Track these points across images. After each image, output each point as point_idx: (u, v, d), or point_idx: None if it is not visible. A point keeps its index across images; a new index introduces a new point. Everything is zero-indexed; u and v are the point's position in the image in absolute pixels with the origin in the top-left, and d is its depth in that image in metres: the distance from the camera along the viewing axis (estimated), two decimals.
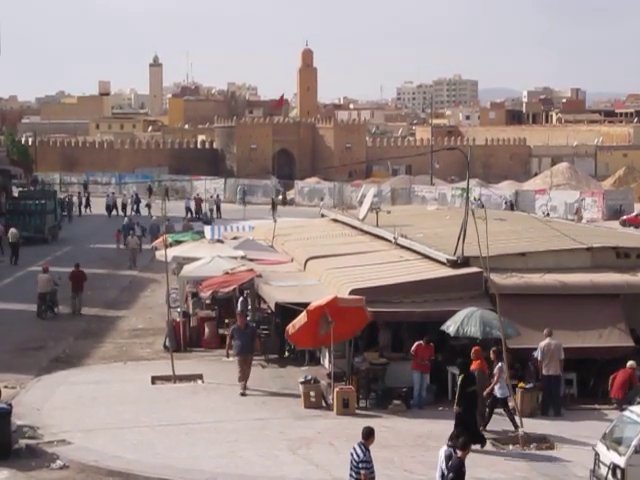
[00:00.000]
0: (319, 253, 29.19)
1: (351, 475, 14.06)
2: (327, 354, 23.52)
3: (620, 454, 15.42)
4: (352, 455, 14.07)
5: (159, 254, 33.04)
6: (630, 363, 21.49)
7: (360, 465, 13.87)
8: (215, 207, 71.35)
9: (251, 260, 30.06)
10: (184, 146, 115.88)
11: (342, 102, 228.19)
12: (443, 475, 14.13)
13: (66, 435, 19.60)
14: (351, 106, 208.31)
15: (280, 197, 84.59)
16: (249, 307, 29.42)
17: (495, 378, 20.17)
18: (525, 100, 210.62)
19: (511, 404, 20.49)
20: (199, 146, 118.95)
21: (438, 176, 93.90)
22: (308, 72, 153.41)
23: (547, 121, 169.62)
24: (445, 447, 14.48)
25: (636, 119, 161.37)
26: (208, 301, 31.33)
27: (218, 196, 77.43)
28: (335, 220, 38.38)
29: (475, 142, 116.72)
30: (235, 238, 36.20)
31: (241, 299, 29.65)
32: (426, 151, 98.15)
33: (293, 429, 20.14)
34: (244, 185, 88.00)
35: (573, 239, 25.87)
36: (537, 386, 21.74)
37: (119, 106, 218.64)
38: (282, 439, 19.38)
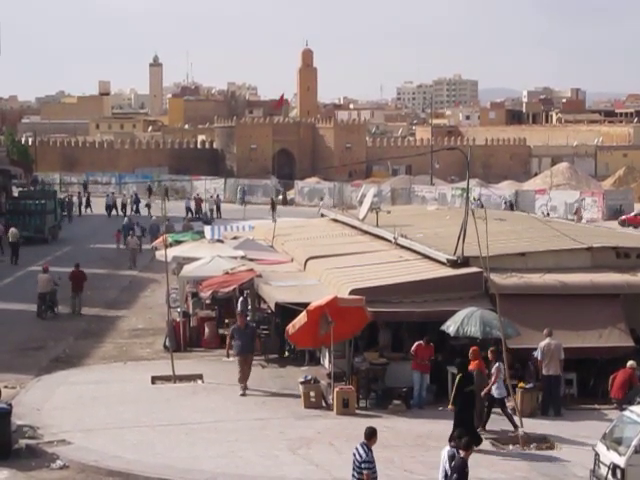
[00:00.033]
0: (319, 253, 29.19)
1: (353, 475, 14.06)
2: (327, 354, 23.52)
3: (620, 454, 15.43)
4: (355, 455, 14.08)
5: (159, 254, 33.05)
6: (630, 363, 21.50)
7: (363, 465, 13.88)
8: (215, 207, 71.36)
9: (251, 260, 30.07)
10: (184, 146, 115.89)
11: (342, 102, 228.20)
12: (446, 475, 14.13)
13: (66, 435, 19.60)
14: (351, 106, 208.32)
15: (280, 197, 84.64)
16: (249, 307, 29.42)
17: (493, 378, 20.18)
18: (525, 100, 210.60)
19: (511, 404, 20.50)
20: (199, 146, 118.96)
21: (438, 176, 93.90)
22: (308, 72, 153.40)
23: (547, 121, 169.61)
24: (448, 447, 14.49)
25: (636, 119, 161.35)
26: (208, 301, 31.33)
27: (218, 196, 77.45)
28: (335, 220, 38.39)
29: (475, 142, 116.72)
30: (235, 238, 36.20)
31: (241, 299, 29.65)
32: (426, 151, 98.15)
33: (293, 429, 20.14)
34: (244, 185, 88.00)
35: (573, 239, 25.88)
36: (537, 386, 21.74)
37: (119, 106, 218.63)
38: (282, 439, 19.38)
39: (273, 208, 67.39)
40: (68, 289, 34.21)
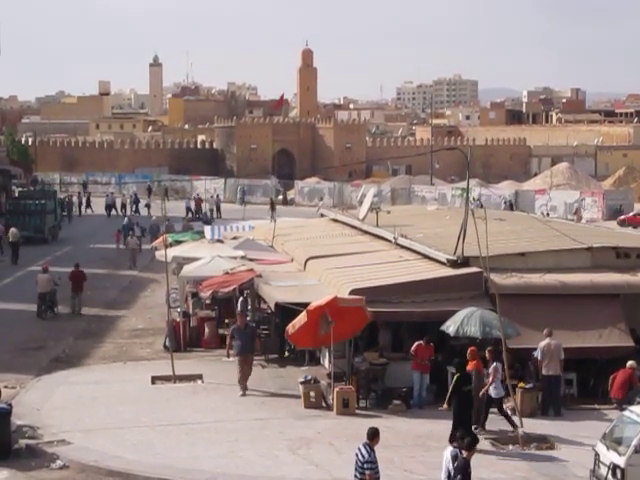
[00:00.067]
0: (319, 253, 29.19)
1: (355, 476, 14.05)
2: (327, 354, 23.52)
3: (620, 454, 15.43)
4: (357, 456, 14.08)
5: (159, 254, 33.05)
6: (630, 363, 21.49)
7: (365, 465, 13.87)
8: (215, 207, 71.38)
9: (251, 260, 30.07)
10: (184, 146, 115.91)
11: (342, 102, 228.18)
12: (449, 475, 14.13)
13: (66, 435, 19.60)
14: (351, 106, 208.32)
15: (280, 197, 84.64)
16: (249, 307, 29.42)
17: (490, 378, 20.17)
18: (525, 100, 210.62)
19: (511, 404, 20.50)
20: (199, 146, 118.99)
21: (438, 176, 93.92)
22: (308, 72, 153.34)
23: (547, 121, 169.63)
24: (451, 448, 14.49)
25: (636, 119, 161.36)
26: (208, 301, 31.32)
27: (218, 196, 77.47)
28: (335, 220, 38.39)
29: (475, 142, 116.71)
30: (235, 238, 36.20)
31: (241, 299, 29.64)
32: (426, 151, 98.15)
33: (293, 429, 20.14)
34: (244, 185, 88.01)
35: (573, 239, 25.88)
36: (537, 386, 21.74)
37: (119, 106, 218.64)
38: (282, 439, 19.39)
39: (272, 208, 67.41)
40: (68, 289, 34.21)
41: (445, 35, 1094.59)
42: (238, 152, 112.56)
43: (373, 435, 14.13)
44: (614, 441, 15.92)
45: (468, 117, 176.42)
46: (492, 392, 20.19)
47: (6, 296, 37.40)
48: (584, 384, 22.89)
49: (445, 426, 19.12)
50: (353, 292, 22.60)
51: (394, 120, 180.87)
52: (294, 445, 18.97)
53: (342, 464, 17.41)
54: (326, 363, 24.14)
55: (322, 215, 43.49)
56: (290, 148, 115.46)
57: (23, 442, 19.14)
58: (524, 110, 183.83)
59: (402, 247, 27.98)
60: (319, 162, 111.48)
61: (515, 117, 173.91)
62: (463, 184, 71.29)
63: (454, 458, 14.17)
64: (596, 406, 21.92)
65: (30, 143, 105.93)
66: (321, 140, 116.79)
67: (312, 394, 21.86)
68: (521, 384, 21.55)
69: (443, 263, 24.57)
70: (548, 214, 62.87)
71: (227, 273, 27.57)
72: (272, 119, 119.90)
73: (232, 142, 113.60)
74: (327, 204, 72.49)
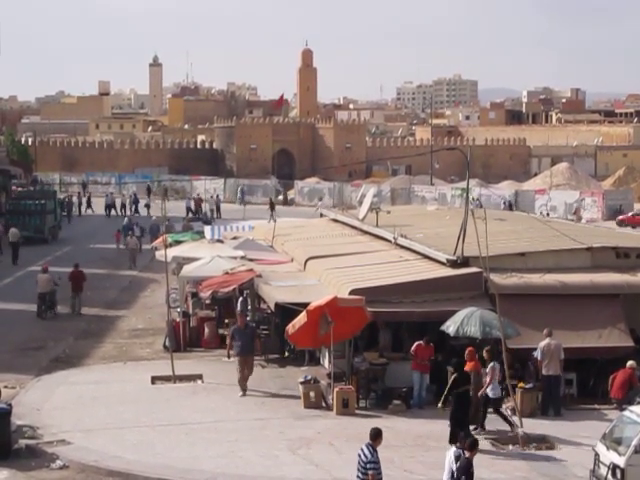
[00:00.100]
0: (319, 253, 29.19)
1: (358, 476, 14.06)
2: (327, 354, 23.51)
3: (620, 454, 15.43)
4: (359, 456, 14.09)
5: (159, 254, 33.05)
6: (630, 363, 21.50)
7: (368, 466, 13.88)
8: (215, 207, 71.39)
9: (251, 260, 30.07)
10: (184, 146, 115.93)
11: (342, 102, 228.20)
12: (452, 476, 14.13)
13: (66, 435, 19.60)
14: (351, 106, 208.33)
15: (281, 197, 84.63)
16: (249, 307, 29.42)
17: (488, 378, 20.16)
18: (525, 100, 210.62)
19: (511, 404, 20.51)
20: (199, 146, 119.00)
21: (438, 176, 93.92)
22: (308, 72, 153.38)
23: (547, 121, 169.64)
24: (454, 448, 14.50)
25: (636, 119, 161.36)
26: (208, 301, 31.32)
27: (218, 196, 77.48)
28: (335, 220, 38.40)
29: (475, 142, 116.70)
30: (235, 238, 36.21)
31: (241, 299, 29.64)
32: (426, 151, 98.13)
33: (293, 429, 20.14)
34: (244, 185, 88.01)
35: (573, 239, 25.88)
36: (537, 386, 21.75)
37: (119, 106, 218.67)
38: (282, 439, 19.39)
39: (272, 208, 67.42)
40: (68, 289, 34.21)
41: (445, 35, 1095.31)
42: (238, 152, 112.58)
43: (376, 435, 14.14)
44: (614, 441, 15.92)
45: (468, 117, 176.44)
46: (489, 392, 20.20)
47: (6, 296, 37.40)
48: (584, 384, 22.88)
49: (445, 426, 19.16)
50: (353, 292, 22.60)
51: (394, 120, 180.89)
52: (294, 445, 18.97)
53: (342, 464, 17.43)
54: (326, 363, 24.14)
55: (322, 215, 43.49)
56: (290, 148, 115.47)
57: (23, 442, 19.14)
58: (524, 110, 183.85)
59: (402, 247, 27.98)
60: (319, 162, 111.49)
61: (515, 117, 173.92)
62: (463, 184, 71.29)
63: (457, 458, 14.18)
64: (596, 406, 21.92)
65: (30, 143, 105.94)
66: (321, 140, 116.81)
67: (312, 394, 21.86)
68: (521, 384, 21.55)
69: (443, 263, 24.57)
70: (548, 214, 62.84)
71: (227, 273, 27.57)
72: (272, 119, 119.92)
73: (232, 142, 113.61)
74: (326, 204, 72.51)
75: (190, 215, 66.78)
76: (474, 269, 23.32)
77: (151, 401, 22.53)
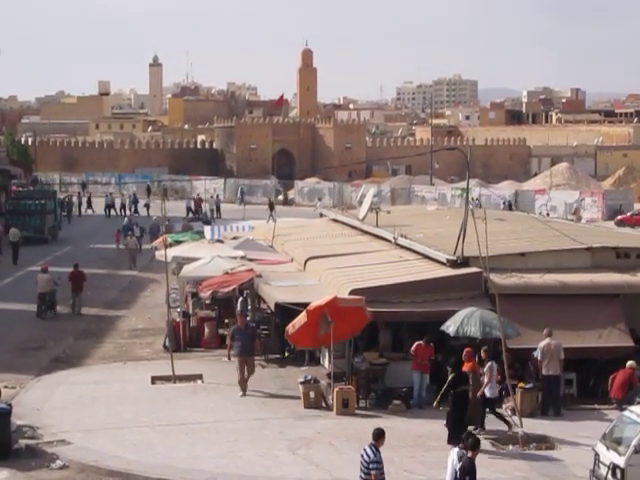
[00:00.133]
0: (319, 253, 29.19)
1: (361, 476, 14.07)
2: (327, 354, 23.50)
3: (620, 454, 15.43)
4: (362, 456, 14.10)
5: (159, 254, 33.05)
6: (630, 363, 21.50)
7: (371, 466, 13.89)
8: (215, 207, 71.39)
9: (251, 260, 30.07)
10: (184, 146, 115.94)
11: (342, 102, 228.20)
12: (456, 476, 14.13)
13: (66, 435, 19.60)
14: (351, 106, 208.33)
15: (281, 197, 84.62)
16: (249, 307, 29.41)
17: (487, 378, 20.17)
18: (525, 100, 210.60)
19: (511, 404, 20.51)
20: (199, 146, 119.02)
21: (438, 176, 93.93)
22: (308, 72, 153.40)
23: (547, 121, 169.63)
24: (457, 448, 14.50)
25: (636, 119, 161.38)
26: (208, 301, 31.32)
27: (218, 196, 77.48)
28: (335, 220, 38.40)
29: (475, 142, 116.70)
30: (235, 238, 36.21)
31: (241, 299, 29.64)
32: (426, 151, 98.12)
33: (293, 429, 20.14)
34: (244, 185, 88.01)
35: (573, 239, 25.88)
36: (537, 386, 21.75)
37: (119, 106, 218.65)
38: (282, 439, 19.39)
39: (271, 208, 67.40)
40: (68, 289, 34.20)
41: (445, 35, 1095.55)
42: (238, 152, 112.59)
43: (379, 436, 14.15)
44: (614, 441, 15.92)
45: (468, 117, 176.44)
46: (487, 392, 20.20)
47: (6, 296, 37.39)
48: (584, 384, 22.89)
49: (445, 426, 19.15)
50: (353, 292, 22.60)
51: (394, 120, 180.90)
52: (294, 445, 18.97)
53: (342, 464, 17.44)
54: (326, 363, 24.13)
55: (322, 215, 43.49)
56: (290, 148, 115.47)
57: (23, 442, 19.14)
58: (524, 110, 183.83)
59: (402, 247, 27.98)
60: (319, 162, 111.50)
61: (515, 117, 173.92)
62: (463, 184, 71.29)
63: (460, 458, 14.18)
64: (596, 406, 21.92)
65: (30, 143, 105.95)
66: (321, 140, 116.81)
67: (312, 394, 21.86)
68: (521, 384, 21.55)
69: (443, 263, 24.57)
70: (548, 214, 62.83)
71: (227, 273, 27.57)
72: (272, 119, 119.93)
73: (232, 142, 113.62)
74: (326, 204, 72.49)
75: (190, 215, 66.78)
76: (474, 269, 23.32)
77: (151, 401, 22.53)
